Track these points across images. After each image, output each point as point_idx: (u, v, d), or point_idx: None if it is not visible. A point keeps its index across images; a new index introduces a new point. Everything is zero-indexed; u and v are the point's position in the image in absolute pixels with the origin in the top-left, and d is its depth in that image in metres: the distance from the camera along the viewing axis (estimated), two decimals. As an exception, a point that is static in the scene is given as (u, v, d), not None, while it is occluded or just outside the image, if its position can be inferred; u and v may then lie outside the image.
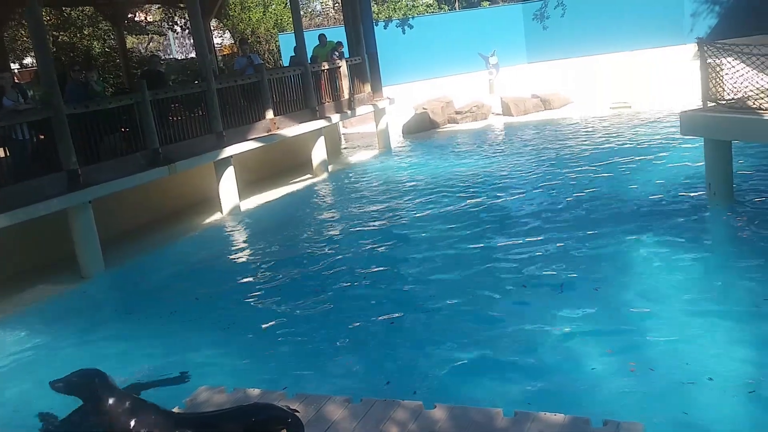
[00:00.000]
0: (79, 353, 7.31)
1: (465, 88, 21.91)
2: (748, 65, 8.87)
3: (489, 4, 26.04)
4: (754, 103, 8.63)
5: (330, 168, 15.73)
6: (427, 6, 25.58)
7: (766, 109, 8.33)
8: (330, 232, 10.91)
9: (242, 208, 12.94)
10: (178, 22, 25.33)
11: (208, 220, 12.52)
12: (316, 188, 14.51)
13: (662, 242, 8.25)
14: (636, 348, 5.91)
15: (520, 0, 25.00)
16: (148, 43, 30.07)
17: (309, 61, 15.78)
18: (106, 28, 23.27)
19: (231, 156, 12.71)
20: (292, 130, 14.45)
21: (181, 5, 20.65)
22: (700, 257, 7.71)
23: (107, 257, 10.25)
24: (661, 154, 12.82)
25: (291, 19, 18.70)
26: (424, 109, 20.75)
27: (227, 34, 29.99)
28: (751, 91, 8.82)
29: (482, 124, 20.05)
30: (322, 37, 17.56)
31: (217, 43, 29.34)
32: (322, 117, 15.43)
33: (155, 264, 10.42)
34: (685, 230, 8.59)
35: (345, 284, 8.43)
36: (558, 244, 8.70)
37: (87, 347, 7.48)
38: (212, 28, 23.07)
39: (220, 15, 23.36)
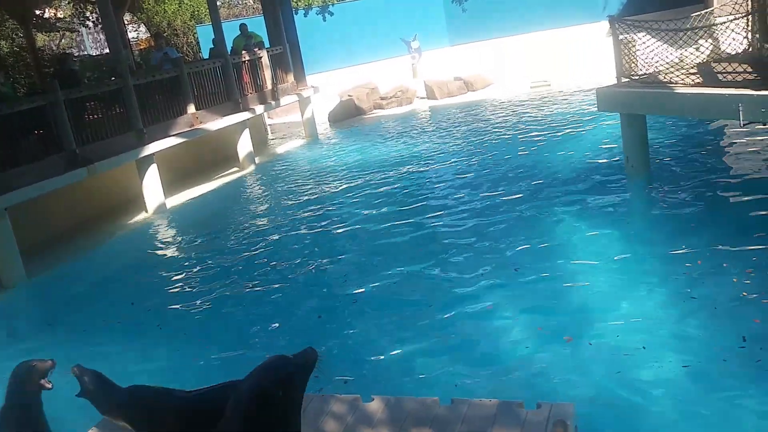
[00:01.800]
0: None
1: (389, 73, 21.94)
2: (658, 40, 9.18)
3: (408, -12, 26.06)
4: (665, 78, 8.95)
5: (257, 160, 15.53)
6: (347, -8, 25.41)
7: (676, 83, 8.64)
8: (260, 226, 10.77)
9: (168, 206, 12.64)
10: (90, 17, 24.41)
11: (133, 221, 12.18)
12: (243, 181, 14.31)
13: (583, 215, 8.47)
14: (565, 323, 6.00)
15: (439, -17, 25.12)
16: (60, 40, 28.87)
17: (230, 53, 15.49)
18: (14, 26, 22.22)
19: (153, 153, 12.37)
20: (216, 123, 14.19)
21: (92, -1, 19.92)
22: (621, 228, 7.93)
23: (29, 266, 9.86)
24: (581, 130, 13.17)
25: (208, 10, 18.27)
26: (349, 96, 20.70)
27: (143, 28, 29.12)
28: (662, 65, 9.14)
29: (407, 109, 20.15)
30: (243, 27, 17.28)
31: (133, 38, 28.44)
32: (246, 109, 15.19)
33: (80, 270, 10.08)
34: (606, 202, 8.84)
35: (276, 280, 8.31)
36: (483, 224, 8.82)
37: (7, 362, 7.16)
38: (126, 22, 22.35)
39: (133, 8, 22.68)
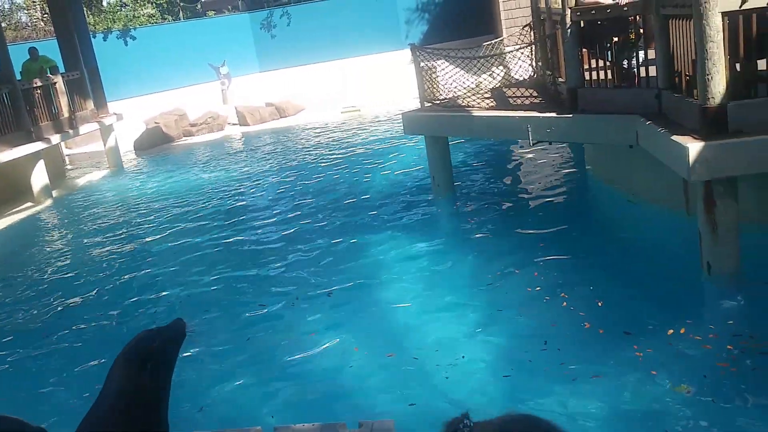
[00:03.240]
0: None
1: (198, 99, 21.40)
2: (456, 67, 9.78)
3: (215, 14, 25.69)
4: (463, 102, 9.53)
5: (54, 193, 14.37)
6: (149, 17, 24.55)
7: (473, 107, 9.24)
8: (59, 266, 9.87)
9: (-51, 249, 11.30)
10: None
11: None
12: (39, 217, 13.16)
13: (394, 236, 8.70)
14: (382, 342, 6.10)
15: (246, 10, 25.04)
16: None
17: (19, 78, 14.28)
18: None
19: (-72, 190, 11.03)
20: (4, 155, 12.93)
21: None
22: (429, 246, 8.25)
23: None
24: (390, 153, 13.63)
25: (-9, 32, 16.74)
26: (156, 123, 19.88)
27: None
28: (460, 90, 9.74)
29: (219, 135, 19.75)
30: (33, 50, 16.01)
31: None
32: (40, 139, 14.02)
33: None
34: (415, 221, 9.20)
35: (81, 322, 7.62)
36: (296, 250, 8.78)
37: None
38: None
39: None
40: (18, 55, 15.35)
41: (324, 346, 6.22)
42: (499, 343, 5.84)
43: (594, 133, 7.69)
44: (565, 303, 6.29)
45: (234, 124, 20.66)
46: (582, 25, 7.68)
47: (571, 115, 7.75)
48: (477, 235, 8.39)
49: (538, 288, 6.68)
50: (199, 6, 24.63)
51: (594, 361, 5.30)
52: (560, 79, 8.47)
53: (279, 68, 23.39)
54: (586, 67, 7.85)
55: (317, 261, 8.28)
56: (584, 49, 7.86)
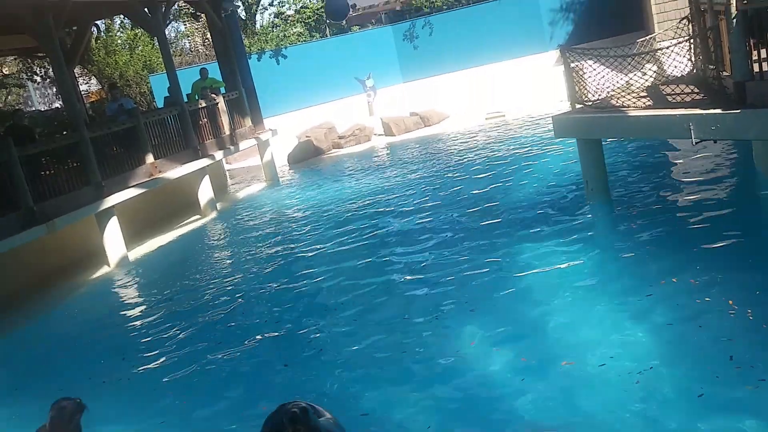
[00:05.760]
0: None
1: (346, 112, 22.12)
2: (607, 67, 9.46)
3: (359, 29, 26.46)
4: (617, 102, 9.20)
5: (218, 206, 15.41)
6: (298, 35, 25.69)
7: (628, 107, 8.89)
8: (225, 275, 10.55)
9: (131, 258, 12.40)
10: (38, 72, 24.19)
11: (95, 275, 11.90)
12: (206, 228, 14.16)
13: (548, 242, 8.53)
14: (548, 351, 6.01)
15: (389, 22, 25.59)
16: (6, 97, 28.51)
17: (186, 99, 15.46)
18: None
19: (113, 206, 12.18)
20: (175, 171, 14.06)
21: (39, 54, 19.70)
22: (587, 253, 8.02)
23: (-13, 329, 9.53)
24: (539, 158, 13.39)
25: (160, 59, 18.28)
26: (307, 137, 20.78)
27: (93, 80, 28.90)
28: (613, 90, 9.41)
29: (366, 147, 20.29)
30: (203, 71, 17.28)
31: (84, 90, 28.21)
32: (205, 155, 15.12)
33: (41, 330, 9.76)
34: (568, 227, 8.94)
35: (243, 330, 8.11)
36: (453, 259, 8.80)
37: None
38: (76, 75, 22.15)
39: (83, 61, 22.52)
40: (183, 80, 16.59)
41: (487, 357, 6.19)
42: (678, 357, 5.55)
43: (766, 128, 7.15)
44: (748, 311, 5.87)
45: (380, 135, 21.16)
46: (749, 13, 7.19)
47: (738, 111, 7.27)
48: (636, 242, 8.06)
49: (707, 299, 6.29)
50: (344, 22, 25.44)
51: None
52: (725, 73, 7.96)
53: (422, 78, 23.66)
54: (754, 58, 7.33)
55: (469, 269, 8.28)
56: (751, 40, 7.35)
